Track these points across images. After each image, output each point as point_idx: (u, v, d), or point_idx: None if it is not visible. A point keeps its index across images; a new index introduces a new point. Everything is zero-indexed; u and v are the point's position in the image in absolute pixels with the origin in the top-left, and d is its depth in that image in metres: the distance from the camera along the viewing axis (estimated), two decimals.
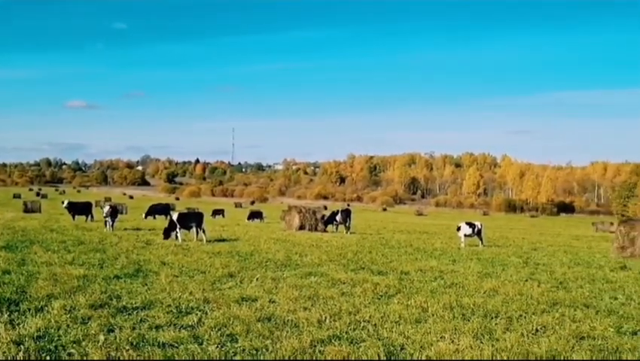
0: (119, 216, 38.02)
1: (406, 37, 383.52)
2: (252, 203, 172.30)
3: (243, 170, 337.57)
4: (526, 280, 17.43)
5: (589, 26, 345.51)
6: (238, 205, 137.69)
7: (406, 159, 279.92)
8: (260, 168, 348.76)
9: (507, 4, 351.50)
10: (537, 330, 10.81)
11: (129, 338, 9.23)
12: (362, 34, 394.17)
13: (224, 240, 27.78)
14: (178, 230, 26.06)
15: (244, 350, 8.99)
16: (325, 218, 39.39)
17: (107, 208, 31.96)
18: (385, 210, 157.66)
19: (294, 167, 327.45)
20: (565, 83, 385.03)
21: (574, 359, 9.09)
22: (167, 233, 26.11)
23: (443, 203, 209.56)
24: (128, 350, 8.67)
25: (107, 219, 31.47)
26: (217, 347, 9.06)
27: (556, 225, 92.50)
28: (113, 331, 9.73)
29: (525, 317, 11.88)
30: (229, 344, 9.27)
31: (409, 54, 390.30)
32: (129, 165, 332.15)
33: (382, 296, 13.72)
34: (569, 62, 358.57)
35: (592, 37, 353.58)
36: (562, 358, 9.09)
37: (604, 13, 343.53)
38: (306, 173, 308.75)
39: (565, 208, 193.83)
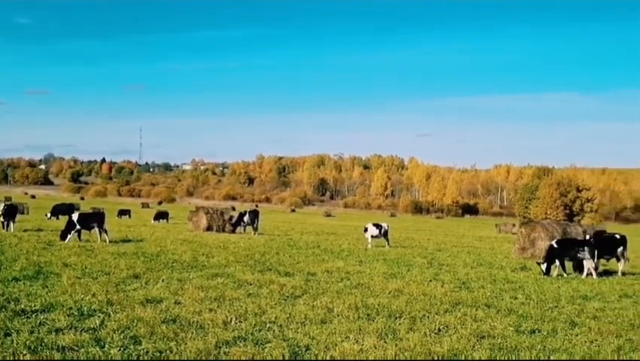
0: (19, 216, 36.77)
1: (316, 38, 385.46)
2: (160, 203, 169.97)
3: (151, 170, 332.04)
4: (430, 281, 17.76)
5: (493, 32, 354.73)
6: (145, 205, 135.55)
7: (315, 160, 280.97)
8: (167, 168, 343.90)
9: (414, 8, 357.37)
10: (439, 329, 11.02)
11: (27, 342, 8.94)
12: (271, 35, 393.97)
13: (129, 240, 27.32)
14: (75, 231, 25.42)
15: (147, 352, 8.84)
16: (234, 220, 39.19)
17: (1, 207, 30.62)
18: (293, 211, 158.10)
19: (203, 167, 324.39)
20: (471, 88, 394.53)
21: (475, 357, 9.30)
22: (64, 234, 25.32)
23: (352, 204, 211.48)
24: (25, 355, 8.41)
25: (1, 219, 30.24)
26: (120, 349, 8.88)
27: (461, 226, 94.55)
28: (10, 335, 9.42)
29: (428, 317, 12.09)
30: (132, 346, 9.10)
31: (318, 55, 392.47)
32: (31, 164, 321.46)
33: (288, 297, 13.73)
34: (475, 66, 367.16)
35: (496, 42, 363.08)
36: (463, 357, 9.28)
37: (507, 20, 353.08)
38: (214, 173, 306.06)
39: (470, 210, 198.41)
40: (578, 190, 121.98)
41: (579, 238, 24.83)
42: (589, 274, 20.89)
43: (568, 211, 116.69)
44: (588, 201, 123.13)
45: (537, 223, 29.46)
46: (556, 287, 17.48)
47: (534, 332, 11.23)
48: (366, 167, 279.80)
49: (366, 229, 31.88)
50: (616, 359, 9.56)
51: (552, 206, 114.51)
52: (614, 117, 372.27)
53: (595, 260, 21.17)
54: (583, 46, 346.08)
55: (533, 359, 9.38)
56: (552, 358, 9.44)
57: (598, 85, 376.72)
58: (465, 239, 48.91)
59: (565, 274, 20.77)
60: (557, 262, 20.93)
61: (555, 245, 21.26)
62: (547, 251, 21.59)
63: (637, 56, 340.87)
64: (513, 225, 73.83)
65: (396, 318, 11.82)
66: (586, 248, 21.08)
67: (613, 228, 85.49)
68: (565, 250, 21.07)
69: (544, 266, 20.83)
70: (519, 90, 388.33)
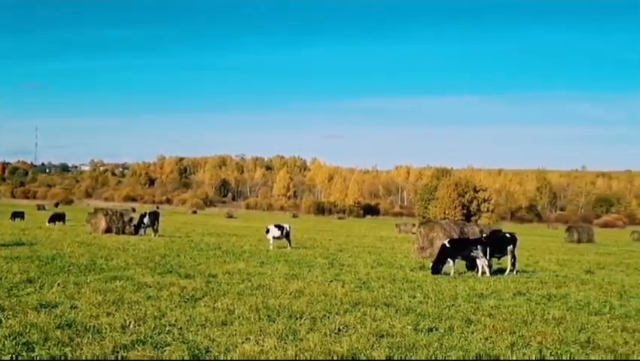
0: None
1: (217, 37, 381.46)
2: (56, 205, 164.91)
3: (47, 171, 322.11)
4: (331, 281, 17.90)
5: (395, 34, 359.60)
6: (41, 207, 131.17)
7: (216, 160, 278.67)
8: (65, 169, 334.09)
9: (319, 9, 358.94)
10: (339, 329, 11.11)
11: None
12: (172, 34, 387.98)
13: (23, 244, 26.48)
14: None
15: (40, 359, 8.59)
16: (134, 221, 38.50)
17: None
18: (195, 212, 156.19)
19: (102, 168, 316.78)
20: (374, 90, 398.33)
21: (374, 356, 9.41)
22: None
23: (254, 205, 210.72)
24: None
25: None
26: (12, 356, 8.60)
27: (362, 226, 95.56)
28: None
29: (328, 317, 12.18)
30: (24, 353, 8.82)
31: (220, 55, 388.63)
32: None
33: (188, 299, 13.60)
34: (376, 69, 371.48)
35: (399, 45, 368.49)
36: (362, 356, 9.38)
37: (410, 22, 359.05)
38: (114, 174, 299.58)
39: (371, 210, 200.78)
40: (475, 191, 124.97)
41: (471, 238, 25.40)
42: (483, 272, 21.46)
43: (465, 211, 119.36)
44: (485, 201, 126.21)
45: (435, 223, 30.08)
46: (454, 286, 17.88)
47: (431, 330, 11.46)
48: (268, 168, 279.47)
49: (268, 230, 31.84)
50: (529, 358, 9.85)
51: (450, 206, 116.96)
52: (510, 120, 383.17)
53: (488, 259, 21.77)
54: (482, 49, 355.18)
55: (430, 356, 9.56)
56: (448, 355, 9.65)
57: (496, 88, 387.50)
58: (366, 239, 49.46)
59: (451, 273, 21.25)
60: (451, 261, 21.42)
61: (447, 244, 21.75)
62: (439, 250, 22.06)
63: (533, 60, 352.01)
64: (413, 225, 75.03)
65: (297, 319, 11.86)
66: (478, 247, 21.65)
67: (509, 227, 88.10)
68: (457, 249, 21.57)
69: (442, 265, 21.31)
70: (420, 93, 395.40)
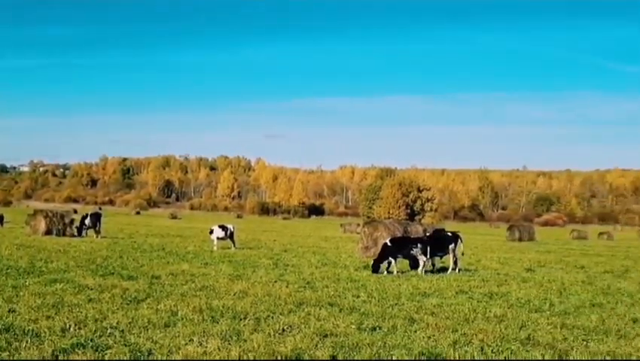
0: None
1: (158, 37, 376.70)
2: None
3: None
4: (276, 281, 17.89)
5: (337, 35, 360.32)
6: None
7: (160, 161, 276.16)
8: (3, 170, 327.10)
9: (260, 9, 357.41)
10: (283, 330, 11.10)
11: None
12: (113, 33, 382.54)
13: None
14: None
15: None
16: (76, 223, 37.92)
17: None
18: (138, 213, 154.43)
19: (42, 169, 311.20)
20: (318, 90, 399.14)
21: (317, 356, 9.42)
22: None
23: (198, 206, 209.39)
24: None
25: None
26: None
27: (307, 227, 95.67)
28: None
29: (272, 317, 12.16)
30: None
31: (162, 54, 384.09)
32: None
33: (131, 301, 13.44)
34: (320, 69, 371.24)
35: (341, 45, 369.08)
36: (306, 356, 9.38)
37: (351, 23, 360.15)
38: (55, 175, 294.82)
39: (316, 210, 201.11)
40: (419, 190, 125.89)
41: (413, 237, 25.57)
42: (426, 270, 21.68)
43: (409, 211, 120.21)
44: (428, 200, 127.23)
45: (379, 223, 30.27)
46: (397, 285, 18.00)
47: (375, 329, 11.51)
48: (212, 168, 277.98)
49: (212, 231, 31.64)
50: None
51: (394, 206, 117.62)
52: (453, 120, 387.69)
53: (429, 257, 21.98)
54: (426, 49, 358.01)
55: (373, 355, 9.61)
56: (391, 354, 9.71)
57: (439, 89, 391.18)
58: (311, 239, 49.51)
59: (395, 272, 21.42)
60: (392, 260, 21.59)
61: (389, 243, 21.91)
62: (381, 249, 22.22)
63: (476, 61, 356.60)
64: (358, 225, 75.30)
65: (241, 319, 11.81)
66: (419, 245, 21.86)
67: (452, 226, 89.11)
68: (398, 248, 21.74)
69: (382, 264, 21.47)
70: (364, 93, 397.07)
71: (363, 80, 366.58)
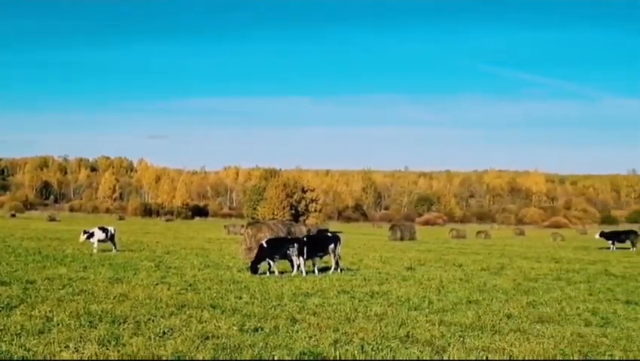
0: None
1: (36, 35, 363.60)
2: None
3: None
4: (157, 284, 17.63)
5: (224, 33, 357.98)
6: None
7: (37, 161, 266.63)
8: None
9: (139, 8, 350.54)
10: (164, 333, 10.93)
11: None
12: None
13: None
14: None
15: None
16: None
17: None
18: (14, 216, 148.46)
19: None
20: (201, 90, 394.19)
21: (198, 358, 9.33)
22: None
23: (78, 208, 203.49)
24: None
25: None
26: None
27: (191, 228, 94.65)
28: None
29: (153, 321, 11.97)
30: None
31: (39, 52, 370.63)
32: None
33: (3, 308, 12.93)
34: (205, 68, 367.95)
35: (227, 44, 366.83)
36: (187, 358, 9.28)
37: (242, 23, 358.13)
38: None
39: (200, 212, 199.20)
40: (303, 191, 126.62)
41: (290, 237, 25.64)
42: (300, 271, 21.81)
43: (294, 211, 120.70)
44: (313, 201, 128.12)
45: (262, 224, 30.27)
46: (280, 286, 18.05)
47: (257, 330, 11.50)
48: (93, 169, 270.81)
49: (92, 234, 30.83)
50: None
51: (279, 207, 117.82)
52: (336, 121, 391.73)
53: (305, 258, 22.10)
54: (309, 50, 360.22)
55: (255, 356, 9.60)
56: (273, 354, 9.72)
57: (323, 89, 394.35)
58: (195, 241, 49.02)
59: (276, 272, 21.49)
60: (270, 261, 21.66)
61: (265, 244, 21.97)
62: (257, 250, 22.26)
63: (359, 62, 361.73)
64: (242, 226, 75.10)
65: (120, 323, 11.56)
66: (295, 245, 21.99)
67: (336, 227, 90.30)
68: (275, 249, 21.82)
69: (261, 265, 21.51)
70: (247, 93, 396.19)
71: (247, 81, 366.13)
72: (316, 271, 22.06)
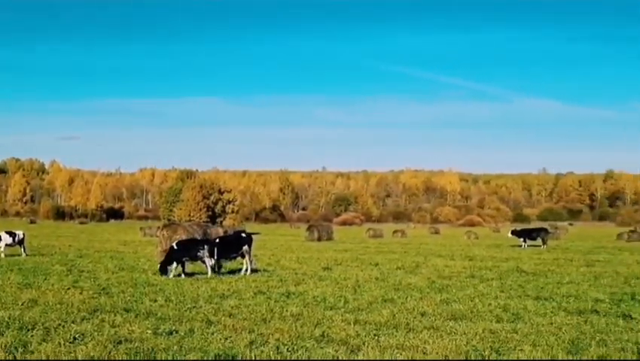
0: None
1: None
2: None
3: None
4: (69, 288, 17.26)
5: (138, 33, 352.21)
6: None
7: None
8: None
9: (52, 6, 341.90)
10: (75, 338, 10.69)
11: None
12: None
13: None
14: None
15: None
16: None
17: None
18: None
19: None
20: (115, 90, 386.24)
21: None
22: None
23: None
24: None
25: None
26: None
27: (106, 231, 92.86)
28: None
29: (64, 326, 11.69)
30: None
31: None
32: None
33: None
34: (118, 69, 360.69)
35: (139, 45, 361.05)
36: None
37: (148, 23, 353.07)
38: None
39: (115, 214, 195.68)
40: (220, 192, 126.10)
41: (199, 238, 25.36)
42: (214, 271, 21.68)
43: (211, 213, 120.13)
44: (230, 202, 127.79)
45: (178, 225, 29.94)
46: (196, 288, 17.91)
47: (171, 333, 11.37)
48: (2, 171, 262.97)
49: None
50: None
51: (195, 208, 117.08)
52: (253, 122, 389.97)
53: (216, 259, 21.94)
54: (223, 50, 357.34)
55: (169, 359, 9.48)
56: (187, 357, 9.62)
57: (238, 90, 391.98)
58: (109, 244, 48.17)
59: (183, 275, 21.31)
60: (177, 263, 21.46)
61: (175, 246, 21.77)
62: (167, 252, 22.05)
63: (273, 62, 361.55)
64: (158, 228, 74.13)
65: (28, 330, 11.25)
66: (205, 247, 21.84)
67: (254, 228, 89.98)
68: (185, 251, 21.63)
69: (170, 267, 21.30)
70: (162, 94, 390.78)
71: (161, 81, 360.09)
72: (217, 271, 21.96)
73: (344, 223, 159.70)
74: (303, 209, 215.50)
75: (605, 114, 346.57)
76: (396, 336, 11.37)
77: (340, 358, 9.83)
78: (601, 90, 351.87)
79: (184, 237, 27.30)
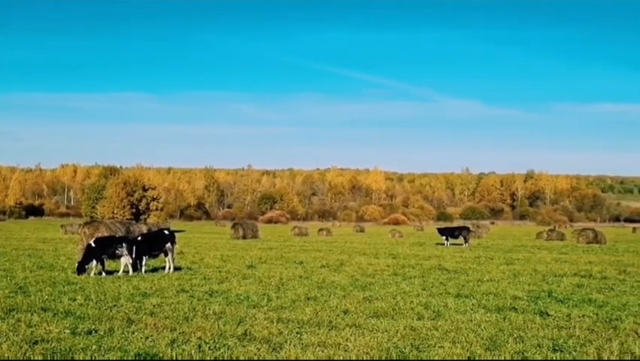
0: None
1: None
2: None
3: None
4: None
5: (59, 29, 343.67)
6: None
7: None
8: None
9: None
10: None
11: None
12: None
13: None
14: None
15: None
16: None
17: None
18: None
19: None
20: (31, 85, 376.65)
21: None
22: None
23: None
24: None
25: None
26: None
27: (25, 228, 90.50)
28: None
29: None
30: None
31: None
32: None
33: None
34: (35, 62, 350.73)
35: (55, 40, 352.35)
36: None
37: (70, 17, 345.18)
38: None
39: (35, 211, 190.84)
40: (145, 189, 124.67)
41: (118, 236, 24.97)
42: (126, 271, 21.40)
43: (134, 210, 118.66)
44: (154, 199, 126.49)
45: (100, 223, 29.38)
46: (117, 286, 17.67)
47: (90, 332, 11.18)
48: None
49: None
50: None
51: (119, 205, 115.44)
52: (179, 119, 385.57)
53: (137, 257, 21.66)
54: (149, 46, 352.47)
55: (87, 359, 9.32)
56: (107, 356, 9.47)
57: (162, 86, 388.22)
58: (28, 242, 46.96)
59: (104, 273, 21.00)
60: (95, 261, 21.11)
61: (93, 244, 21.41)
62: (85, 250, 21.66)
63: (197, 60, 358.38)
64: (80, 225, 72.77)
65: None
66: (124, 245, 21.56)
67: (178, 225, 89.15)
68: (103, 249, 21.29)
69: (88, 265, 20.94)
70: (85, 89, 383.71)
71: (84, 76, 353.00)
72: (143, 270, 21.72)
73: (269, 221, 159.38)
74: (229, 207, 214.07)
75: (526, 115, 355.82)
76: (318, 334, 11.40)
77: (262, 356, 9.82)
78: (522, 92, 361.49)
79: (106, 235, 26.86)
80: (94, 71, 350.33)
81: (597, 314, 14.07)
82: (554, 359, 9.95)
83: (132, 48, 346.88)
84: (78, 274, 20.43)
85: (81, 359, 9.35)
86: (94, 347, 10.00)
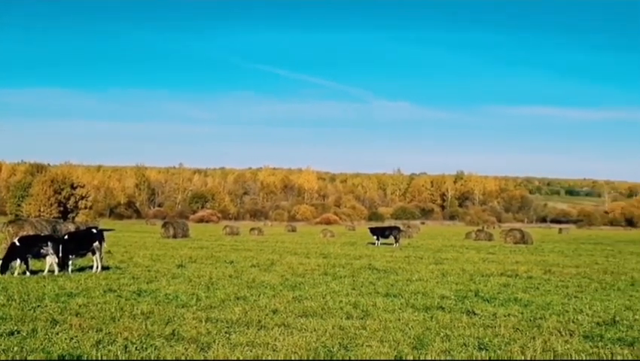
0: None
1: None
2: None
3: None
4: None
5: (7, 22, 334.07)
6: None
7: None
8: None
9: None
10: None
11: None
12: None
13: None
14: None
15: None
16: None
17: None
18: None
19: None
20: None
21: None
22: None
23: None
24: None
25: None
26: None
27: None
28: None
29: None
30: None
31: None
32: None
33: None
34: None
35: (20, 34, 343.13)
36: None
37: (21, 12, 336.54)
38: None
39: None
40: (73, 187, 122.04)
41: (44, 234, 24.49)
42: (51, 270, 20.97)
43: (62, 208, 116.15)
44: (83, 198, 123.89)
45: (25, 221, 28.85)
46: (42, 286, 17.31)
47: (12, 333, 10.96)
48: None
49: None
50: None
51: (46, 203, 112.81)
52: (108, 116, 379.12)
53: (63, 256, 21.24)
54: (74, 43, 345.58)
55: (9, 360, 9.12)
56: (29, 358, 9.28)
57: (90, 83, 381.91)
58: None
59: (28, 273, 20.55)
60: (19, 260, 20.66)
61: (17, 243, 20.95)
62: (8, 249, 21.19)
63: (130, 57, 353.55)
64: (4, 224, 71.02)
65: None
66: (49, 244, 21.15)
67: (108, 224, 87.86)
68: (27, 248, 20.83)
69: (12, 265, 20.47)
70: (11, 84, 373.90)
71: (10, 71, 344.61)
72: (69, 269, 21.32)
73: (201, 220, 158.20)
74: (160, 206, 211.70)
75: (455, 117, 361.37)
76: (247, 334, 11.38)
77: (190, 356, 9.74)
78: (451, 93, 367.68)
79: (31, 233, 26.32)
80: (22, 67, 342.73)
81: (522, 313, 14.39)
82: (479, 357, 10.12)
83: (61, 44, 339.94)
84: (1, 274, 19.92)
85: (2, 360, 9.13)
86: (16, 348, 9.80)
